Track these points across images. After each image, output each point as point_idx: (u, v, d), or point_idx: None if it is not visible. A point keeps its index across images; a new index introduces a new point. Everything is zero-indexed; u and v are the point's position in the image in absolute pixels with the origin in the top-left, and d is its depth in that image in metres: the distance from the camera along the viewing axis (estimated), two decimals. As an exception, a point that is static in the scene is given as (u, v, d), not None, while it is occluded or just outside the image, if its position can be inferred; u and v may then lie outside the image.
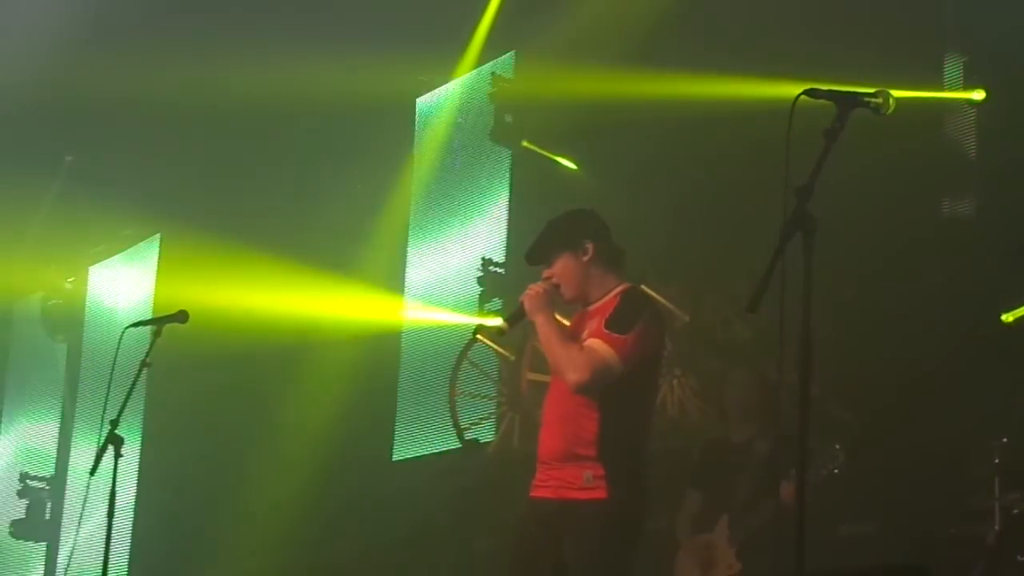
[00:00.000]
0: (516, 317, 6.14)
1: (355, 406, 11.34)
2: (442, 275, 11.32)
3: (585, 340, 5.87)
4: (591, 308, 6.02)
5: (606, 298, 5.98)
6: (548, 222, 6.13)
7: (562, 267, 6.02)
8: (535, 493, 6.02)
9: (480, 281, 10.63)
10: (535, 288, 6.04)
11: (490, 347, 10.05)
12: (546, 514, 5.94)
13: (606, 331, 5.84)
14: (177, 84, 11.10)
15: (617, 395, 5.86)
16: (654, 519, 7.61)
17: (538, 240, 6.14)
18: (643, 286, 9.06)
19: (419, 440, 11.11)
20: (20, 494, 14.47)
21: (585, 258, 6.01)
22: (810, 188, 4.53)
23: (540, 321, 5.96)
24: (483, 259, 10.65)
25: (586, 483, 5.86)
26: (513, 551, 6.07)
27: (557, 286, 6.03)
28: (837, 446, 7.20)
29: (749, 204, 8.33)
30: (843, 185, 6.69)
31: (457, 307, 10.98)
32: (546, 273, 6.06)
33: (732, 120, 8.75)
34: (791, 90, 4.70)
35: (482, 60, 11.16)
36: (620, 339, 5.81)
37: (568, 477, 5.90)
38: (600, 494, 5.84)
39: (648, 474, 6.00)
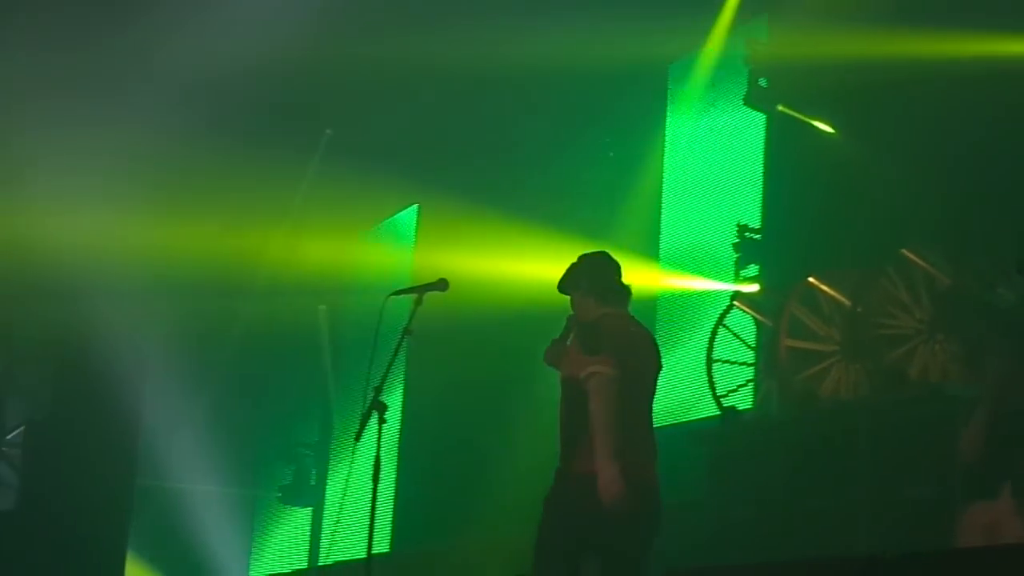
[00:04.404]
0: None
1: (612, 373, 11.33)
2: (697, 241, 11.26)
3: None
4: None
5: None
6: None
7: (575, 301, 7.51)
8: None
9: (736, 247, 10.54)
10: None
11: (747, 313, 9.97)
12: None
13: None
14: (434, 56, 11.22)
15: None
16: (920, 487, 7.47)
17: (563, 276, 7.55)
18: (904, 250, 8.97)
19: (676, 407, 11.08)
20: (287, 460, 14.86)
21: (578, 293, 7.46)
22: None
23: None
24: (738, 225, 10.56)
25: None
26: None
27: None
28: None
29: (1017, 164, 8.10)
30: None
31: (713, 274, 10.91)
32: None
33: (995, 78, 8.50)
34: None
35: (736, 24, 11.04)
36: None
37: None
38: None
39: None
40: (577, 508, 7.12)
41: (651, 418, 7.25)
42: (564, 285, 7.53)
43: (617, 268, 7.57)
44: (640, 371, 7.28)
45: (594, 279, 7.51)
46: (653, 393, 7.33)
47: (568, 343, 7.45)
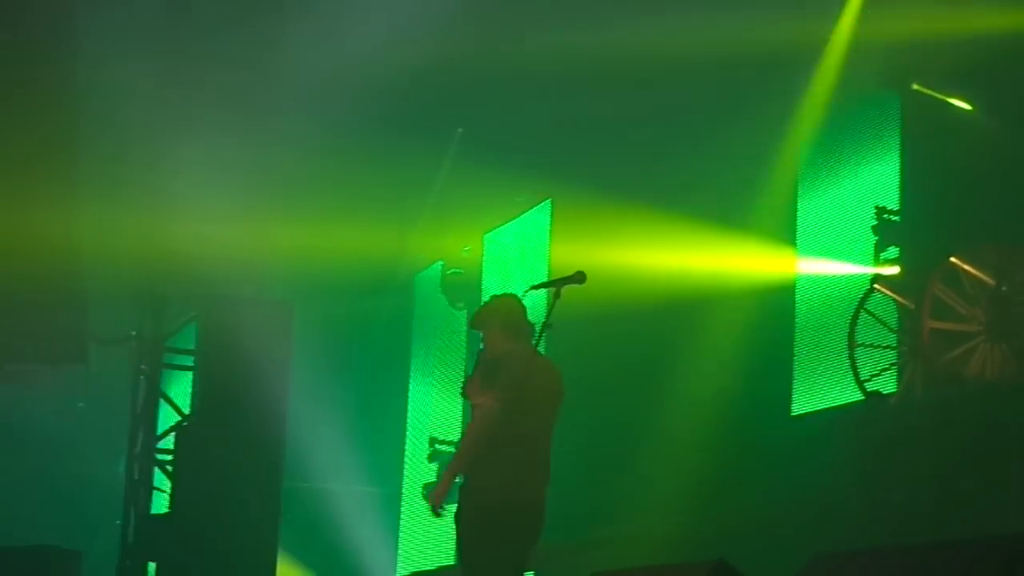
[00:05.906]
0: None
1: (751, 361, 11.30)
2: (835, 225, 11.17)
3: None
4: None
5: None
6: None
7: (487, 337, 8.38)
8: None
9: (875, 230, 10.45)
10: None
11: (889, 296, 9.88)
12: None
13: None
14: (561, 48, 11.25)
15: None
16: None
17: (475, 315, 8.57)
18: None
19: (818, 393, 11.00)
20: (430, 458, 14.98)
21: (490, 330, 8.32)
22: None
23: None
24: (876, 207, 10.46)
25: None
26: None
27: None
28: None
29: None
30: None
31: (852, 257, 10.82)
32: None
33: None
34: None
35: (867, 4, 10.93)
36: None
37: None
38: None
39: None
40: (476, 518, 7.95)
41: (548, 441, 8.13)
42: (476, 323, 8.47)
43: (524, 309, 8.36)
44: (536, 399, 8.05)
45: (505, 318, 8.32)
46: (552, 417, 8.21)
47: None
